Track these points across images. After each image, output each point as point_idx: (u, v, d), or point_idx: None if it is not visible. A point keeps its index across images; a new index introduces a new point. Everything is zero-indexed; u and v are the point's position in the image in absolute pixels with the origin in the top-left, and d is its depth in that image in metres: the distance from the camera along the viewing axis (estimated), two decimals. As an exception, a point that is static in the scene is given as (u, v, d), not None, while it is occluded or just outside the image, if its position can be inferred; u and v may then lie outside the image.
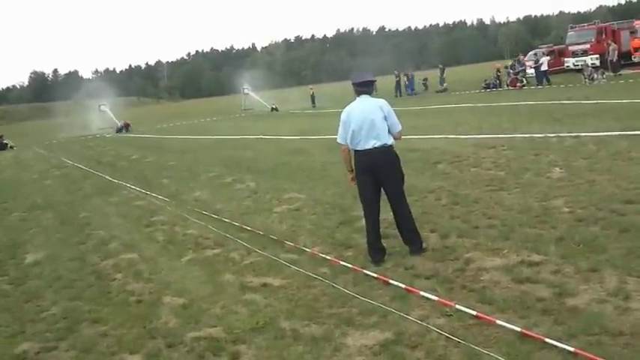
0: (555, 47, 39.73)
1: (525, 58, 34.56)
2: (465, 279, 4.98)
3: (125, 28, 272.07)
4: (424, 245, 5.83)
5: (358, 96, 5.79)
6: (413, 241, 5.78)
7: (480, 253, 5.51)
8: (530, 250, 5.38)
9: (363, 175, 5.71)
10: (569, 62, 35.28)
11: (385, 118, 5.63)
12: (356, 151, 5.71)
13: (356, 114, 5.65)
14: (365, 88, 5.80)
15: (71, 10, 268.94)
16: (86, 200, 11.77)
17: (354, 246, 6.29)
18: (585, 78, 27.22)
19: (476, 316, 4.17)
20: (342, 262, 5.78)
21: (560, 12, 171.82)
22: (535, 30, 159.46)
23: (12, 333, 5.18)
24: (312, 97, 40.14)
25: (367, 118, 5.58)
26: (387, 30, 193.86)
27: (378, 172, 5.63)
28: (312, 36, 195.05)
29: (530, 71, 31.76)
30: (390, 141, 5.67)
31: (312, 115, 31.03)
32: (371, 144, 5.58)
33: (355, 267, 5.59)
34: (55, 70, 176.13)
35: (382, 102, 5.76)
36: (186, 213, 9.13)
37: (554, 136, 11.47)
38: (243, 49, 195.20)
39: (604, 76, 26.97)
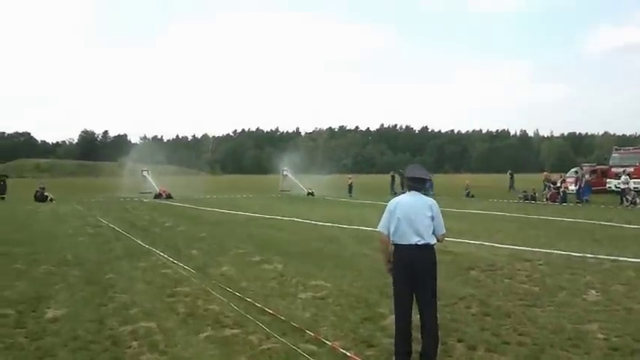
0: (598, 167, 39.65)
1: (567, 175, 34.50)
2: (490, 397, 4.73)
3: (176, 99, 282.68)
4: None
5: (409, 190, 5.78)
6: (428, 351, 5.45)
7: (507, 371, 5.26)
8: (561, 375, 5.11)
9: (402, 272, 5.54)
10: (612, 183, 35.19)
11: (432, 218, 5.58)
12: (397, 245, 5.59)
13: (404, 205, 5.61)
14: (417, 184, 5.77)
15: (127, 76, 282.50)
16: (115, 261, 11.84)
17: (377, 345, 6.09)
18: (627, 201, 26.93)
19: None
20: (362, 361, 5.58)
21: (606, 132, 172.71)
22: (578, 147, 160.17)
23: (19, 389, 5.09)
24: (350, 186, 40.61)
25: (415, 213, 5.53)
26: (429, 130, 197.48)
27: (416, 270, 5.47)
28: (356, 127, 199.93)
29: (572, 188, 31.54)
30: (433, 241, 5.58)
31: (347, 204, 31.12)
32: (414, 240, 5.48)
33: (375, 368, 5.38)
34: (106, 132, 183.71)
35: (432, 202, 5.71)
36: (210, 287, 9.06)
37: (592, 257, 11.18)
38: (287, 132, 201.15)
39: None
